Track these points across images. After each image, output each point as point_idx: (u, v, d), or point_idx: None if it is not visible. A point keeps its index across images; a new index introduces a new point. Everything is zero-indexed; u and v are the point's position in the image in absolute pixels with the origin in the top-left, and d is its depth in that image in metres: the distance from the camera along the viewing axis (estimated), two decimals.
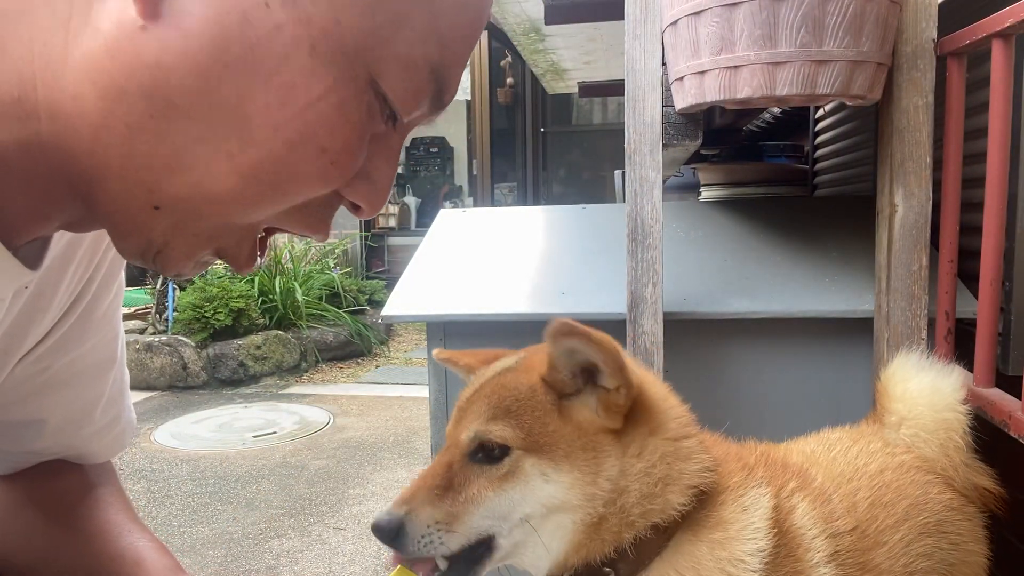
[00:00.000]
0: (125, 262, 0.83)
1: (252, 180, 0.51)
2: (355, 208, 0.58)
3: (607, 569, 0.84)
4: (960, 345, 1.34)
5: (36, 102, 0.49)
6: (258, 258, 0.59)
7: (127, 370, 0.90)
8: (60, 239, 0.67)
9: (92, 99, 0.48)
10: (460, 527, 0.82)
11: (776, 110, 2.76)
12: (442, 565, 0.83)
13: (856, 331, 1.52)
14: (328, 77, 0.50)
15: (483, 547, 0.84)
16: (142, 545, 0.82)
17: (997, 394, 1.20)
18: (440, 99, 0.57)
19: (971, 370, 1.25)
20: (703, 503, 0.86)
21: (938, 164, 1.33)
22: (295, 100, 0.50)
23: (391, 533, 0.80)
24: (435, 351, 1.04)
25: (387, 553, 0.85)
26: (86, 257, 0.74)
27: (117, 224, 0.54)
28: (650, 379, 0.93)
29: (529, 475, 0.82)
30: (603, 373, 0.83)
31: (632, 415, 0.85)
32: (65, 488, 0.85)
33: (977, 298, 1.24)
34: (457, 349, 1.03)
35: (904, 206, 1.35)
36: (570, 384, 0.85)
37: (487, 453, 0.83)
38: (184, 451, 3.88)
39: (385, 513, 0.81)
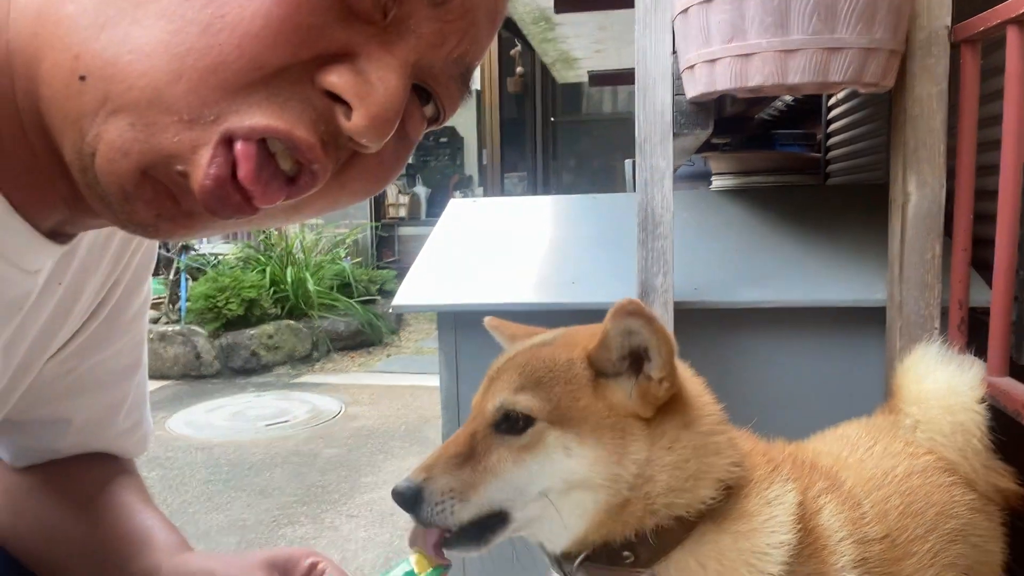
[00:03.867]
0: (152, 268, 0.84)
1: (180, 20, 0.44)
2: (345, 108, 0.48)
3: (626, 553, 0.83)
4: (974, 334, 1.33)
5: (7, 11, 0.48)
6: (242, 169, 0.47)
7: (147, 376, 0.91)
8: (85, 239, 0.67)
9: None
10: (475, 496, 0.81)
11: (788, 98, 2.74)
12: (453, 529, 0.83)
13: (868, 320, 1.51)
14: None
15: (496, 519, 0.83)
16: (150, 524, 0.83)
17: (1010, 383, 1.19)
18: None
19: (985, 359, 1.24)
20: (727, 495, 0.86)
21: (952, 152, 1.32)
22: None
23: (410, 500, 0.80)
24: (486, 319, 1.02)
25: (408, 527, 0.85)
26: (112, 259, 0.74)
27: (53, 120, 0.48)
28: (688, 374, 0.92)
29: (551, 448, 0.81)
30: (652, 362, 0.82)
31: (666, 407, 0.84)
32: (86, 474, 0.86)
33: (991, 287, 1.23)
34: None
35: (917, 194, 1.34)
36: (614, 365, 0.84)
37: (511, 424, 0.83)
38: (198, 439, 3.91)
39: (405, 480, 0.82)
